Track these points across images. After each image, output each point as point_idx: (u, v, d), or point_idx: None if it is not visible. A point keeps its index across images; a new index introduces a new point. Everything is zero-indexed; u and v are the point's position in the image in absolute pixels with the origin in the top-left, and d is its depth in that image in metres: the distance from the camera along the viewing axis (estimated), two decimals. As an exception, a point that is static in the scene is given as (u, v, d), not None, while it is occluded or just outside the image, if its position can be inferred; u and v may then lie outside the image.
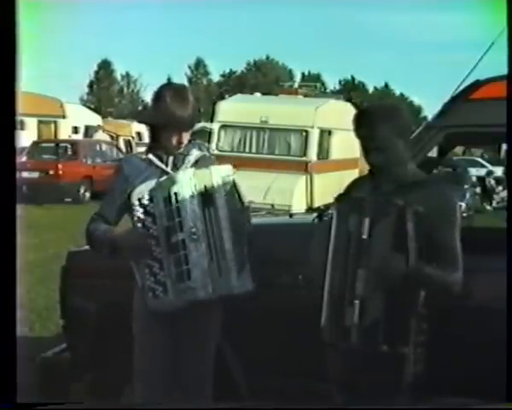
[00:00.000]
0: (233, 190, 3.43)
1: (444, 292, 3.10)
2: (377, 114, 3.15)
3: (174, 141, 3.42)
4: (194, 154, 3.54)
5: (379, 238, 2.99)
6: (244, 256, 3.42)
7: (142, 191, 3.37)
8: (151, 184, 3.38)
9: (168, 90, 3.43)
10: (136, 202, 3.37)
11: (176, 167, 3.48)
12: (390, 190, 3.11)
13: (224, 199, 3.37)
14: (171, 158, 3.48)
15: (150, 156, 3.47)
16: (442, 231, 3.05)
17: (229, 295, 3.38)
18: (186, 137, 3.45)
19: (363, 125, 3.16)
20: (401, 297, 2.99)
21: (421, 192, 3.08)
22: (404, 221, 2.96)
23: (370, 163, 3.20)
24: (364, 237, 2.99)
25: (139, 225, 3.36)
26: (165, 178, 3.40)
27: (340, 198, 3.23)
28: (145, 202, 3.37)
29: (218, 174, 3.39)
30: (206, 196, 3.37)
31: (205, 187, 3.37)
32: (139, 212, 3.36)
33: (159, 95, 3.43)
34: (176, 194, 3.33)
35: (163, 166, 3.47)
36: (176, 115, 3.36)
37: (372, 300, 2.98)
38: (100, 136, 25.26)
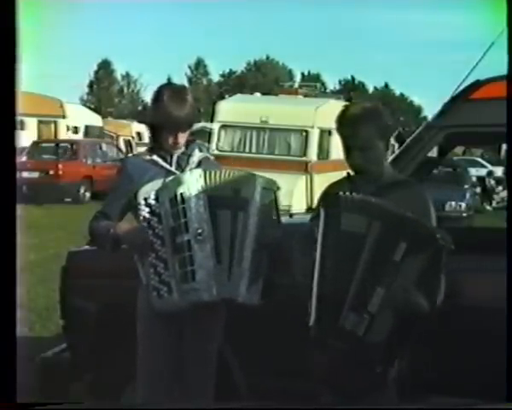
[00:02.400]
0: (272, 203, 3.44)
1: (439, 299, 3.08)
2: (361, 115, 3.15)
3: (170, 141, 3.42)
4: (197, 155, 3.54)
5: (410, 267, 2.90)
6: (261, 269, 3.39)
7: (149, 191, 3.36)
8: (157, 183, 3.37)
9: (166, 90, 3.43)
10: (142, 202, 3.36)
11: (180, 167, 3.47)
12: (369, 191, 3.10)
13: (258, 208, 3.35)
14: (174, 158, 3.48)
15: (155, 157, 3.47)
16: None
17: (234, 300, 3.35)
18: (183, 137, 3.45)
19: (346, 124, 3.15)
20: (409, 324, 2.96)
21: (399, 193, 3.09)
22: (439, 260, 2.91)
23: (352, 163, 3.19)
24: (397, 260, 2.90)
25: (144, 224, 3.35)
26: (171, 178, 3.39)
27: (327, 197, 3.19)
28: (151, 201, 3.35)
29: (261, 183, 3.39)
30: (234, 200, 3.35)
31: (234, 190, 3.35)
32: (145, 211, 3.35)
33: (157, 95, 3.44)
34: (182, 194, 3.31)
35: (168, 167, 3.46)
36: (172, 115, 3.36)
37: (382, 322, 2.92)
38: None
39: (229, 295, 3.34)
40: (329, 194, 3.24)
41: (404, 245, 2.89)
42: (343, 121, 3.18)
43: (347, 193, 3.07)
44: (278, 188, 3.50)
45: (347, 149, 3.17)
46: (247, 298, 3.36)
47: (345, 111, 3.22)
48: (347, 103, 3.34)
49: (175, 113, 3.36)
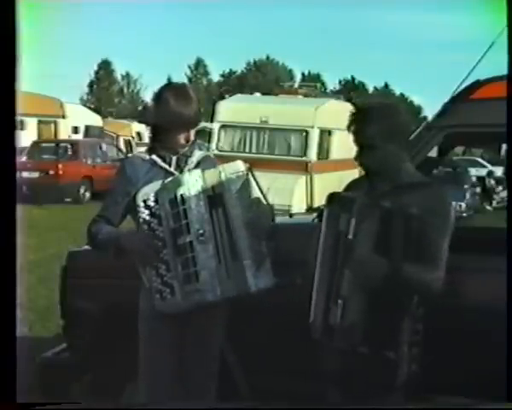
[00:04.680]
0: (246, 185, 3.36)
1: (423, 291, 3.05)
2: (373, 113, 3.12)
3: (181, 140, 3.40)
4: (197, 154, 3.52)
5: (362, 239, 2.94)
6: (263, 253, 3.34)
7: (148, 193, 3.35)
8: (156, 185, 3.36)
9: (170, 90, 3.41)
10: (142, 204, 3.35)
11: (179, 168, 3.46)
12: (385, 190, 3.08)
13: (236, 197, 3.31)
14: (174, 158, 3.46)
15: (154, 157, 3.45)
16: (431, 230, 2.98)
17: (246, 294, 3.30)
18: (193, 134, 3.44)
19: (357, 122, 3.12)
20: (383, 299, 2.94)
21: (417, 193, 3.03)
22: (389, 223, 2.90)
23: (360, 162, 3.16)
24: (350, 237, 2.94)
25: (144, 226, 3.34)
26: (170, 179, 3.38)
27: (330, 198, 3.16)
28: (150, 203, 3.34)
29: (228, 172, 3.34)
30: (215, 197, 3.33)
31: (213, 188, 3.33)
32: (144, 213, 3.35)
33: (161, 96, 3.40)
34: (182, 196, 3.30)
35: (167, 167, 3.44)
36: (182, 115, 3.34)
37: (353, 301, 2.94)
38: None
39: (237, 292, 3.31)
40: (335, 193, 3.21)
41: (353, 220, 2.93)
42: (351, 119, 3.15)
43: (350, 193, 3.07)
44: (244, 169, 3.38)
45: (357, 148, 3.15)
46: (258, 285, 3.29)
47: (354, 109, 3.20)
48: (359, 101, 3.34)
49: (184, 111, 3.34)
